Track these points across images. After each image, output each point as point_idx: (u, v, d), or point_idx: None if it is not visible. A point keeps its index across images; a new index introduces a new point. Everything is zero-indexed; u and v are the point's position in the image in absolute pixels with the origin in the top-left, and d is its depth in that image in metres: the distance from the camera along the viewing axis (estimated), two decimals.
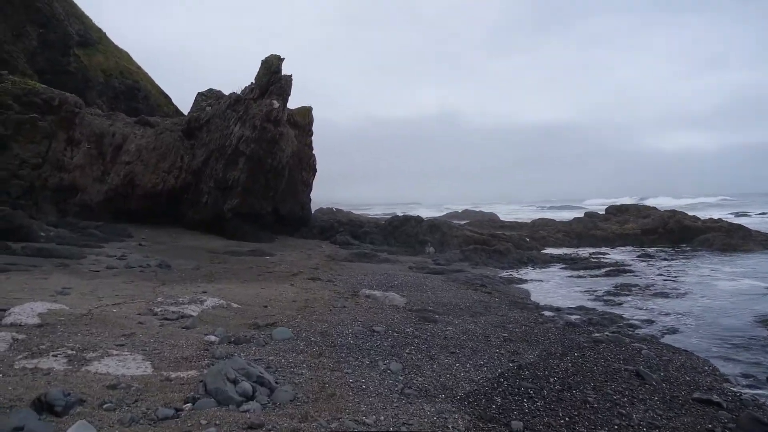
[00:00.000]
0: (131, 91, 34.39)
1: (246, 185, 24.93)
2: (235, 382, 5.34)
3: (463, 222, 42.60)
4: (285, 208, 28.25)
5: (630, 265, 21.43)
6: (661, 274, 18.91)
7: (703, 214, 36.50)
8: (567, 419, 5.58)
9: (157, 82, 38.84)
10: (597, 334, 9.59)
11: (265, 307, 10.24)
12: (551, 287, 16.86)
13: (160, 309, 9.18)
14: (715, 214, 40.08)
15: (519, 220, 45.89)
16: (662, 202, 67.46)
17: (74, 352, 6.36)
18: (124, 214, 24.45)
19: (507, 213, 69.59)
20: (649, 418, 5.74)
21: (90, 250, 16.06)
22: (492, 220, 49.86)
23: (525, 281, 17.92)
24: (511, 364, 7.36)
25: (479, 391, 6.20)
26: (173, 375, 5.89)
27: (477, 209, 74.66)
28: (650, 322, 11.46)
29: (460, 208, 77.39)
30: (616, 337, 9.38)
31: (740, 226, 30.53)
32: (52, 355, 6.19)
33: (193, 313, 9.10)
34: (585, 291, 15.70)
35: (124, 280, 12.08)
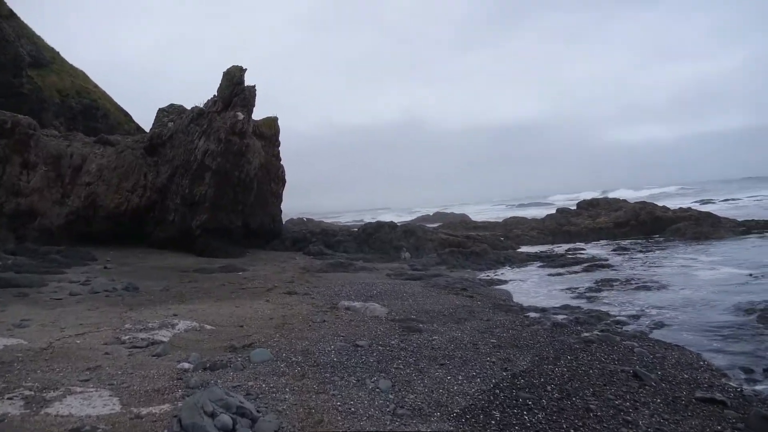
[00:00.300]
0: (89, 110, 33.35)
1: (214, 200, 24.26)
2: (212, 415, 4.87)
3: (435, 225, 42.39)
4: (255, 222, 27.60)
5: (607, 260, 21.37)
6: (639, 267, 18.86)
7: (670, 204, 36.90)
8: (572, 431, 5.23)
9: (116, 99, 37.83)
10: (586, 334, 9.32)
11: (241, 326, 9.72)
12: (532, 286, 16.64)
13: (128, 336, 8.62)
14: (681, 204, 40.62)
15: (491, 220, 45.90)
16: (624, 195, 68.17)
17: (32, 393, 5.80)
18: (87, 236, 23.56)
19: (477, 213, 69.71)
20: (656, 423, 5.45)
21: (51, 276, 15.26)
22: (464, 221, 49.81)
23: (505, 282, 17.66)
24: (504, 373, 7.01)
25: (476, 406, 5.83)
26: (144, 411, 5.39)
27: (448, 211, 74.74)
28: (636, 317, 11.27)
29: (431, 211, 77.34)
30: (606, 335, 9.13)
31: (709, 214, 30.90)
32: (7, 398, 5.63)
33: (164, 339, 8.56)
34: (566, 288, 15.49)
35: (88, 306, 11.41)
